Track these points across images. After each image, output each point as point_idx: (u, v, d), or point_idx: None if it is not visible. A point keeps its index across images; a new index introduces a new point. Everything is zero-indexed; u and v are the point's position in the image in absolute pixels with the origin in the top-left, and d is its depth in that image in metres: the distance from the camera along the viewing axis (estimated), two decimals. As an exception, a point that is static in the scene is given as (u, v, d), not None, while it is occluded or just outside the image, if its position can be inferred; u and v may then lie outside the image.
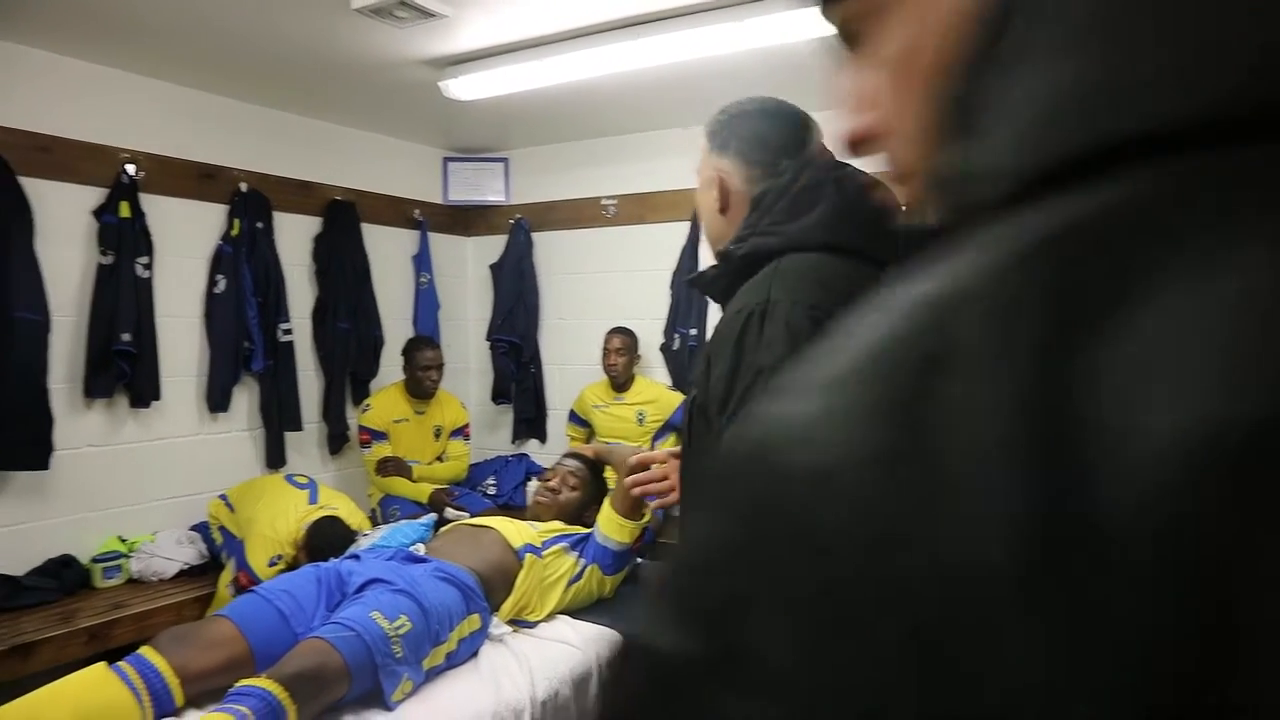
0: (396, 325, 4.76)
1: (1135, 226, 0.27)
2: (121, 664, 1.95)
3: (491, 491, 4.73)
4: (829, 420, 0.29)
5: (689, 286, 1.44)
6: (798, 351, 1.06)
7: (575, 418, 4.74)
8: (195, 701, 2.04)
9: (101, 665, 1.94)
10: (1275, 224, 0.25)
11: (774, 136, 1.39)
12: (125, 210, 3.49)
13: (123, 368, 3.48)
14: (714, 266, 1.34)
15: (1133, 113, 0.29)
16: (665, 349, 4.67)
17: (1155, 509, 0.23)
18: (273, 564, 3.27)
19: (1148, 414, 0.24)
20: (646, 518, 2.84)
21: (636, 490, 1.73)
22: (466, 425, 4.65)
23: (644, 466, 1.76)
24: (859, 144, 0.51)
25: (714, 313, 4.40)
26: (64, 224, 3.37)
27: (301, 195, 4.29)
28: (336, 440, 4.46)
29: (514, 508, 4.48)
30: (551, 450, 5.02)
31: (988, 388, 0.26)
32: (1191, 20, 0.28)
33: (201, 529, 3.72)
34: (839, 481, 0.28)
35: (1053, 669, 0.23)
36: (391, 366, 4.56)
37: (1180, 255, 0.25)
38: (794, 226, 1.26)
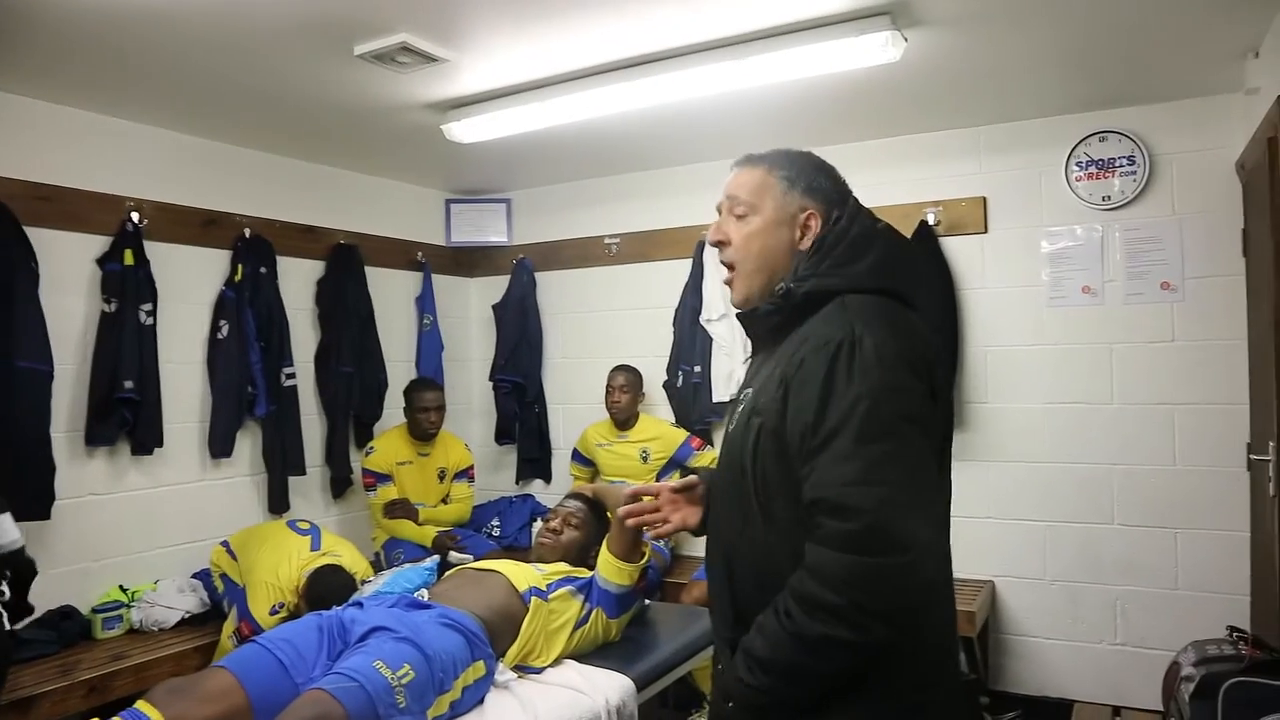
0: (400, 368, 4.76)
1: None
2: (115, 719, 1.91)
3: (496, 533, 4.69)
4: None
5: (740, 320, 1.57)
6: (890, 378, 1.30)
7: (579, 457, 4.71)
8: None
9: (94, 721, 1.90)
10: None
11: (832, 186, 1.53)
12: (129, 258, 3.50)
13: (125, 415, 3.48)
14: (770, 302, 1.47)
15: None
16: (668, 387, 4.65)
17: None
18: (274, 612, 3.23)
19: None
20: (645, 558, 2.80)
21: (631, 521, 1.74)
22: (471, 467, 4.62)
23: (637, 498, 1.76)
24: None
25: (717, 350, 4.41)
26: (67, 273, 3.39)
27: (305, 239, 4.31)
28: (340, 484, 4.43)
29: (519, 549, 4.44)
30: (556, 490, 4.99)
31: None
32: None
33: (203, 576, 3.68)
34: None
35: None
36: (395, 409, 4.55)
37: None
38: (853, 270, 1.43)
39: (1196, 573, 3.61)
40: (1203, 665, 2.36)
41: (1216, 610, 3.43)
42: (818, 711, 1.32)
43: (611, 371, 4.55)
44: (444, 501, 4.49)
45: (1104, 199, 3.74)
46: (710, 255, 4.53)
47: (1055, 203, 3.85)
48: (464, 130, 3.63)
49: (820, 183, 1.51)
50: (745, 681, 1.32)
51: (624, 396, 4.47)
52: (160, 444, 3.61)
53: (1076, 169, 3.78)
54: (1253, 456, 3.31)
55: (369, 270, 4.57)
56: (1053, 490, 3.83)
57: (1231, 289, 3.54)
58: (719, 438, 4.53)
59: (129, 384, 3.44)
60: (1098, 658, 3.77)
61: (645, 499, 1.76)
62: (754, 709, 1.34)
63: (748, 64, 3.00)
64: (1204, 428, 3.60)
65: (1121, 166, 3.70)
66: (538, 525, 4.66)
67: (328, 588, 3.14)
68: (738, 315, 1.57)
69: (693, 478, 1.72)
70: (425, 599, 2.54)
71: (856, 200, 1.53)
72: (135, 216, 3.56)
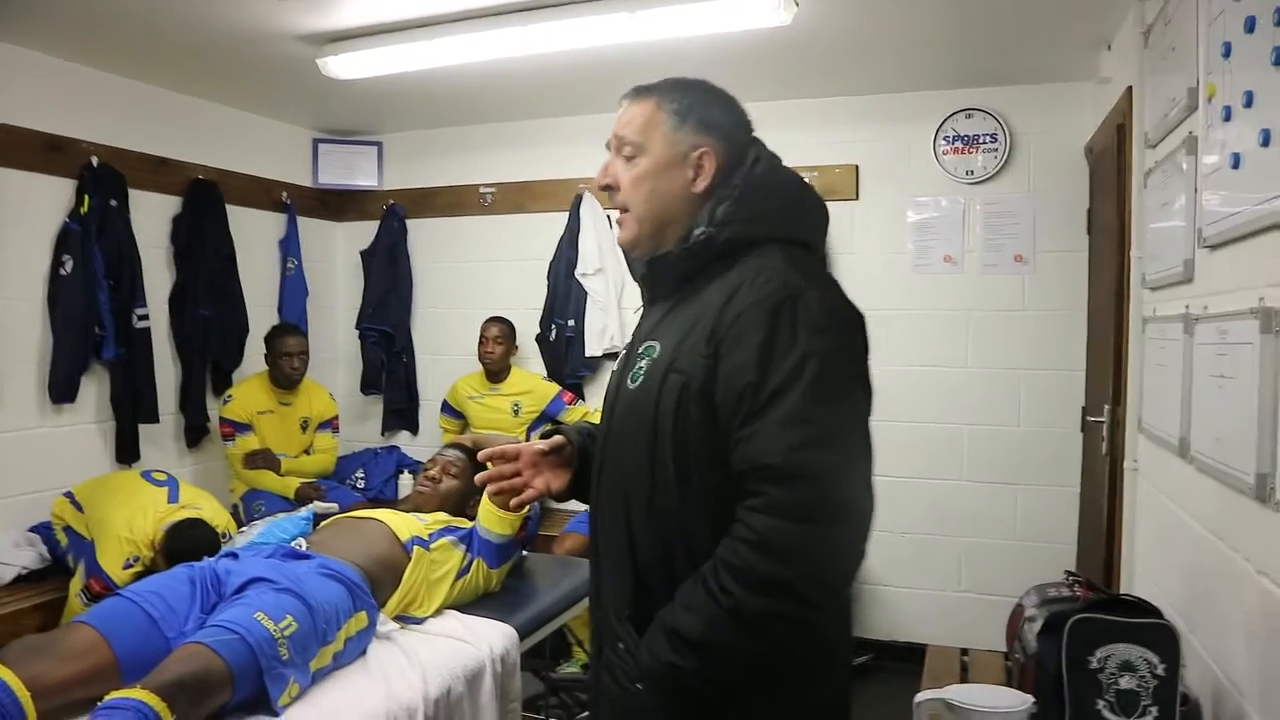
0: (262, 312, 4.53)
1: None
2: (-39, 681, 1.77)
3: (361, 485, 4.59)
4: None
5: (648, 266, 1.42)
6: (838, 337, 1.24)
7: (449, 409, 4.64)
8: (53, 718, 1.88)
9: (-61, 683, 1.76)
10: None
11: (730, 120, 1.40)
12: (-42, 182, 3.19)
13: (-46, 354, 3.19)
14: (685, 248, 1.34)
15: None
16: (541, 340, 4.63)
17: None
18: (128, 566, 3.07)
19: None
20: (526, 508, 2.80)
21: (491, 489, 1.52)
22: (335, 417, 4.48)
23: (496, 459, 1.54)
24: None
25: (592, 305, 4.42)
26: (-114, 195, 3.06)
27: (160, 172, 4.03)
28: (195, 433, 4.21)
29: (384, 501, 4.35)
30: (423, 442, 4.91)
31: None
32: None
33: (43, 530, 3.44)
34: None
35: None
36: (256, 356, 4.35)
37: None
38: (778, 218, 1.35)
39: (1033, 524, 3.91)
40: (1045, 606, 2.54)
41: (1050, 557, 3.72)
42: (737, 692, 1.24)
43: (486, 322, 4.49)
44: (306, 452, 4.34)
45: (967, 173, 3.94)
46: (588, 209, 4.51)
47: (923, 174, 4.02)
48: (341, 65, 3.47)
49: (715, 116, 1.38)
50: (672, 663, 1.20)
51: (498, 348, 4.43)
52: (-7, 387, 3.34)
53: (944, 143, 3.96)
54: (1088, 418, 3.59)
55: (230, 209, 4.31)
56: (908, 448, 4.04)
57: (1074, 264, 3.81)
58: (591, 392, 4.58)
59: (-42, 321, 3.16)
60: (945, 604, 4.04)
61: (506, 462, 1.53)
62: (673, 692, 1.22)
63: (640, 16, 2.99)
64: (1045, 391, 3.88)
65: (985, 143, 3.90)
66: (405, 477, 4.61)
67: (189, 542, 2.99)
68: (647, 261, 1.42)
69: (559, 438, 1.54)
70: (304, 549, 2.47)
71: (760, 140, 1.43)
72: (-34, 137, 3.24)
